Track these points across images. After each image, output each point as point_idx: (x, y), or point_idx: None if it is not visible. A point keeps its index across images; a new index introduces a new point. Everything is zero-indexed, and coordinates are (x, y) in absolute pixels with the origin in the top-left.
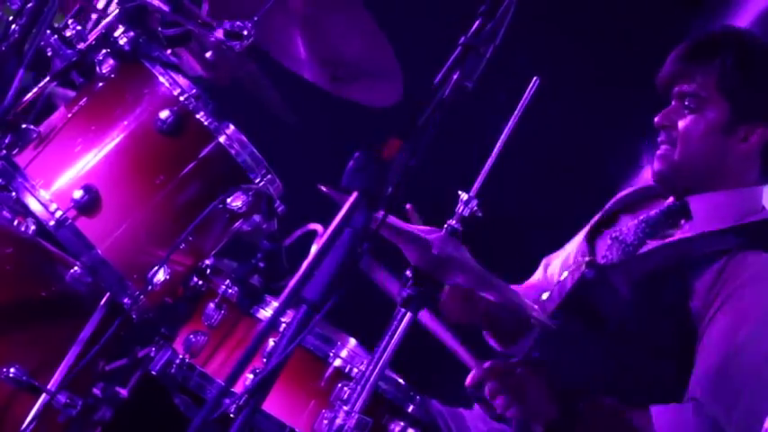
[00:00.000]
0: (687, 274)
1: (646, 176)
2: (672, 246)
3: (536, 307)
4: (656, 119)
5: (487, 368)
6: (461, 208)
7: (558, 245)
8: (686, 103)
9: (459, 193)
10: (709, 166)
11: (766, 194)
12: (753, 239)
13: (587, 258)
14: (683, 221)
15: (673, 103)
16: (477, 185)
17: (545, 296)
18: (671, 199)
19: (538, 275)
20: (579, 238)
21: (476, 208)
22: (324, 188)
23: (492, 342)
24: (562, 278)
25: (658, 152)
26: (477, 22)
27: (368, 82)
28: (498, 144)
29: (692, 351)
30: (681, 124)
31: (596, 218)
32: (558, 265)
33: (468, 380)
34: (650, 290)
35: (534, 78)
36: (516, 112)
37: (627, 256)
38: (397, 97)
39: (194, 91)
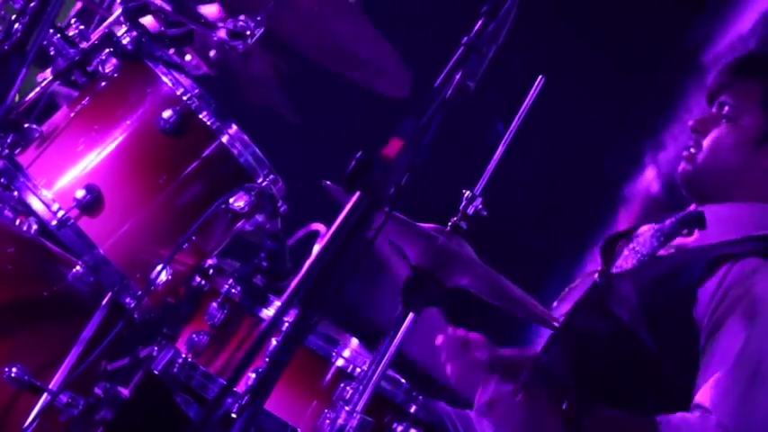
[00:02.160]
0: (692, 280)
1: (649, 176)
2: (681, 253)
3: (542, 308)
4: (690, 122)
5: (489, 395)
6: (466, 206)
7: (561, 244)
8: (725, 111)
9: (464, 191)
10: (732, 174)
11: None
12: (757, 248)
13: (599, 268)
14: (697, 231)
15: (712, 110)
16: (481, 183)
17: (554, 303)
18: (691, 208)
19: None
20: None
21: (480, 206)
22: (328, 184)
23: None
24: (573, 285)
25: (685, 154)
26: (480, 22)
27: (373, 75)
28: (503, 142)
29: (695, 356)
30: (714, 131)
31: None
32: None
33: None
34: (656, 296)
35: (539, 77)
36: (521, 110)
37: (640, 264)
38: (405, 91)
39: (197, 90)
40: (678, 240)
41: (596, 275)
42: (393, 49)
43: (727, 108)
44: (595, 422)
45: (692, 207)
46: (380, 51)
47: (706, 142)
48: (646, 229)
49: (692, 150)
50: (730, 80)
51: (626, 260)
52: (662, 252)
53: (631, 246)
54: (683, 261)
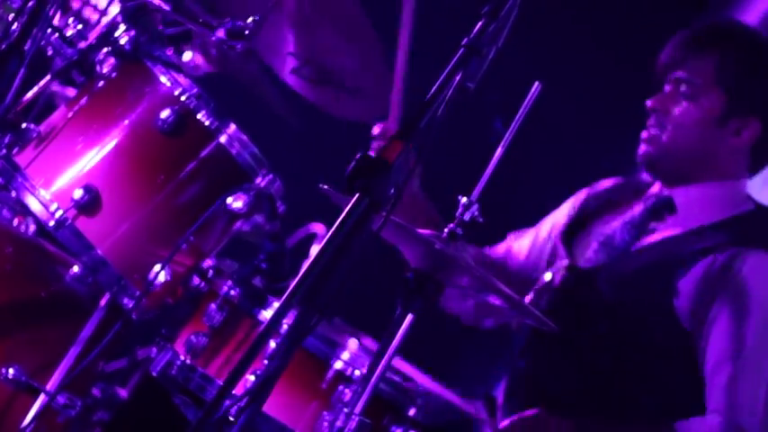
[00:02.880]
0: (672, 273)
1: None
2: (657, 246)
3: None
4: (648, 102)
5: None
6: (462, 212)
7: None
8: (682, 89)
9: (460, 197)
10: (697, 154)
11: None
12: (739, 234)
13: (566, 262)
14: (667, 216)
15: (666, 88)
16: (478, 190)
17: (527, 299)
18: (656, 187)
19: (500, 250)
20: (549, 226)
21: (476, 213)
22: (325, 188)
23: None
24: (546, 279)
25: (645, 135)
26: (480, 24)
27: (337, 92)
28: (500, 148)
29: (685, 350)
30: (675, 110)
31: (568, 218)
32: (527, 246)
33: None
34: (635, 290)
35: (536, 83)
36: (518, 116)
37: (613, 259)
38: (381, 110)
39: (195, 90)
40: (654, 237)
41: (563, 270)
42: (375, 68)
43: (684, 86)
44: None
45: (657, 188)
46: (361, 68)
47: (668, 122)
48: (610, 218)
49: (653, 131)
50: (683, 55)
51: (597, 254)
52: (636, 245)
53: (601, 239)
54: (661, 253)
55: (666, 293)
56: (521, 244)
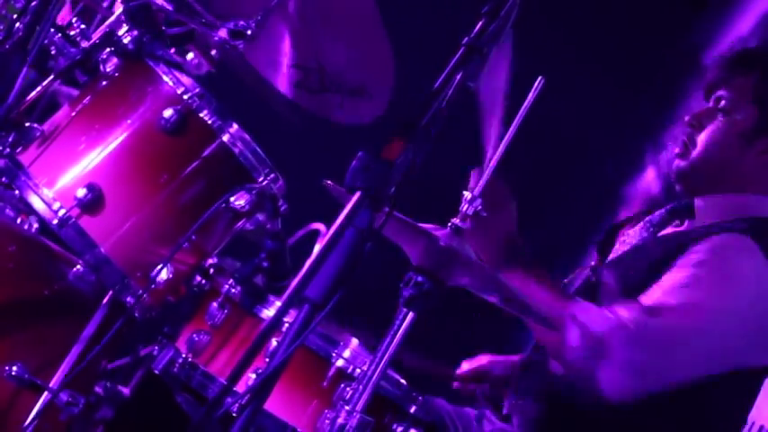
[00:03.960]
0: (668, 263)
1: (649, 177)
2: (659, 241)
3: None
4: (686, 117)
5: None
6: (466, 207)
7: (561, 244)
8: (721, 105)
9: (464, 192)
10: (724, 168)
11: None
12: (739, 224)
13: (592, 263)
14: (687, 220)
15: (709, 104)
16: (481, 185)
17: None
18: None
19: None
20: None
21: (480, 207)
22: (329, 183)
23: None
24: (568, 280)
25: (677, 150)
26: (481, 23)
27: (340, 96)
28: (503, 144)
29: None
30: (709, 125)
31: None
32: None
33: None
34: (636, 282)
35: (539, 78)
36: (521, 111)
37: (630, 253)
38: (375, 114)
39: (198, 90)
40: (668, 230)
41: (588, 270)
42: (374, 66)
43: (723, 102)
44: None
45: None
46: (358, 67)
47: (700, 137)
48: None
49: (686, 146)
50: (727, 75)
51: (616, 252)
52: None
53: (622, 239)
54: (667, 246)
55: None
56: None
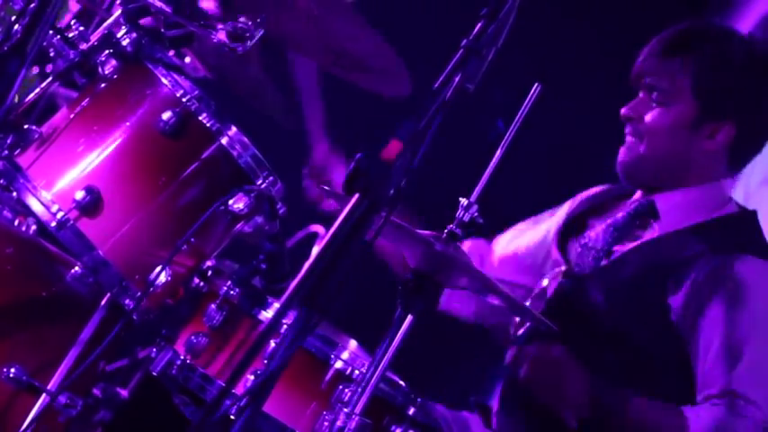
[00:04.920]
0: (662, 280)
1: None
2: (641, 249)
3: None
4: (622, 110)
5: (526, 350)
6: (462, 213)
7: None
8: (653, 96)
9: (460, 198)
10: (674, 161)
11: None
12: (718, 239)
13: (563, 268)
14: (651, 221)
15: (640, 94)
16: (477, 191)
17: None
18: (638, 195)
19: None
20: (545, 231)
21: (476, 214)
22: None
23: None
24: (544, 284)
25: (624, 145)
26: (479, 25)
27: (373, 75)
28: (499, 150)
29: (677, 356)
30: (647, 117)
31: (561, 222)
32: (528, 246)
33: (507, 359)
34: (626, 297)
35: (536, 85)
36: (518, 117)
37: (598, 262)
38: (406, 90)
39: (196, 92)
40: (638, 241)
41: (560, 277)
42: (390, 48)
43: (655, 93)
44: (622, 403)
45: (638, 195)
46: (379, 51)
47: (644, 131)
48: (595, 222)
49: (630, 140)
50: (653, 62)
51: (581, 257)
52: (619, 247)
53: (583, 241)
54: (649, 259)
55: (657, 301)
56: (519, 242)
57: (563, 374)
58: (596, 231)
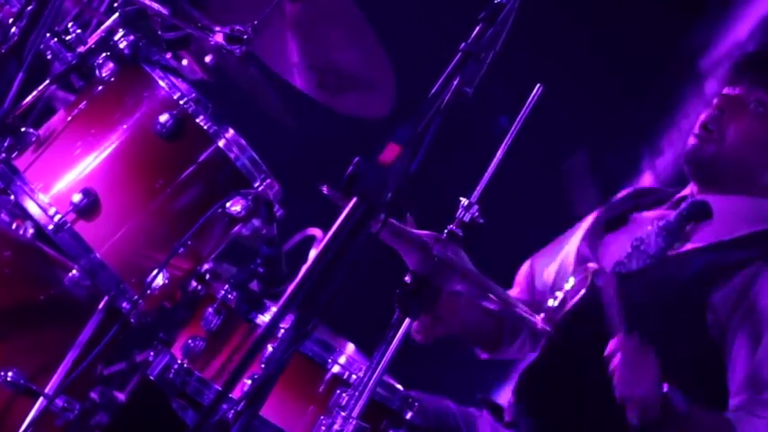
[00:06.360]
0: (704, 287)
1: (645, 182)
2: (689, 255)
3: (534, 314)
4: (716, 101)
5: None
6: (462, 214)
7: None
8: (751, 107)
9: (461, 198)
10: (746, 169)
11: None
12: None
13: (594, 266)
14: (703, 222)
15: (737, 92)
16: (478, 191)
17: (551, 303)
18: (688, 189)
19: (521, 279)
20: (574, 242)
21: (477, 214)
22: (325, 188)
23: (477, 350)
24: (567, 286)
25: (701, 133)
26: (478, 28)
27: (357, 93)
28: (500, 150)
29: (708, 363)
30: (740, 122)
31: (592, 220)
32: (554, 271)
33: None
34: (666, 299)
35: (537, 85)
36: (518, 118)
37: (647, 265)
38: (387, 110)
39: (194, 95)
40: (689, 245)
41: (592, 276)
42: (381, 55)
43: (755, 106)
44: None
45: (688, 191)
46: (368, 60)
47: (732, 130)
48: (639, 218)
49: (711, 129)
50: (763, 76)
51: (631, 259)
52: (672, 253)
53: (635, 243)
54: (695, 264)
55: (697, 307)
56: (549, 271)
57: (653, 373)
58: (648, 233)
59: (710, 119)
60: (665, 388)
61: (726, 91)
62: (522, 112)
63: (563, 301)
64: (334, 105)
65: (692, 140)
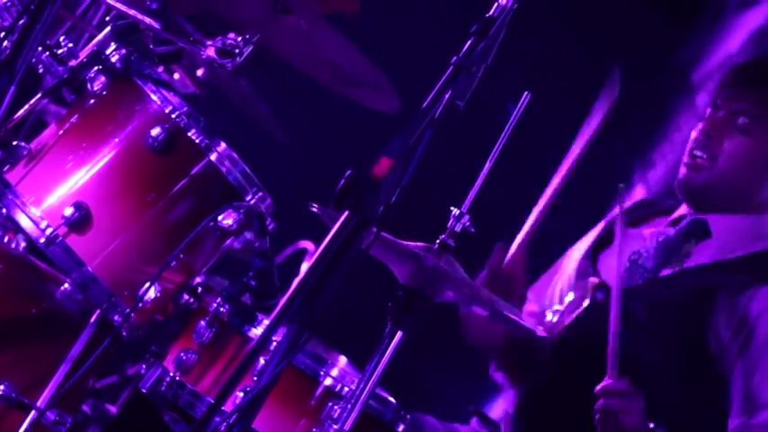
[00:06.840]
0: (705, 306)
1: (637, 195)
2: (690, 273)
3: (529, 321)
4: (702, 126)
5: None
6: (453, 223)
7: (549, 261)
8: (739, 122)
9: (452, 208)
10: (742, 189)
11: None
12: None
13: (595, 280)
14: (702, 240)
15: (720, 114)
16: (469, 201)
17: (550, 317)
18: (684, 209)
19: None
20: (576, 256)
21: (468, 224)
22: (315, 207)
23: (499, 377)
24: (567, 300)
25: (691, 161)
26: (469, 42)
27: (364, 89)
28: (490, 159)
29: (704, 381)
30: (728, 143)
31: (595, 237)
32: (557, 293)
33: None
34: (666, 316)
35: (525, 94)
36: (507, 127)
37: (646, 280)
38: (396, 105)
39: (186, 108)
40: (682, 251)
41: (593, 290)
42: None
43: (741, 119)
44: None
45: (684, 210)
46: (368, 66)
47: (722, 153)
48: (635, 232)
49: (701, 158)
50: (746, 89)
51: (629, 273)
52: (668, 270)
53: (633, 259)
54: (695, 284)
55: (697, 325)
56: (549, 294)
57: (637, 420)
58: (646, 248)
59: (698, 145)
60: (651, 425)
61: (710, 113)
62: (511, 120)
63: (562, 315)
64: (349, 94)
65: (682, 171)
